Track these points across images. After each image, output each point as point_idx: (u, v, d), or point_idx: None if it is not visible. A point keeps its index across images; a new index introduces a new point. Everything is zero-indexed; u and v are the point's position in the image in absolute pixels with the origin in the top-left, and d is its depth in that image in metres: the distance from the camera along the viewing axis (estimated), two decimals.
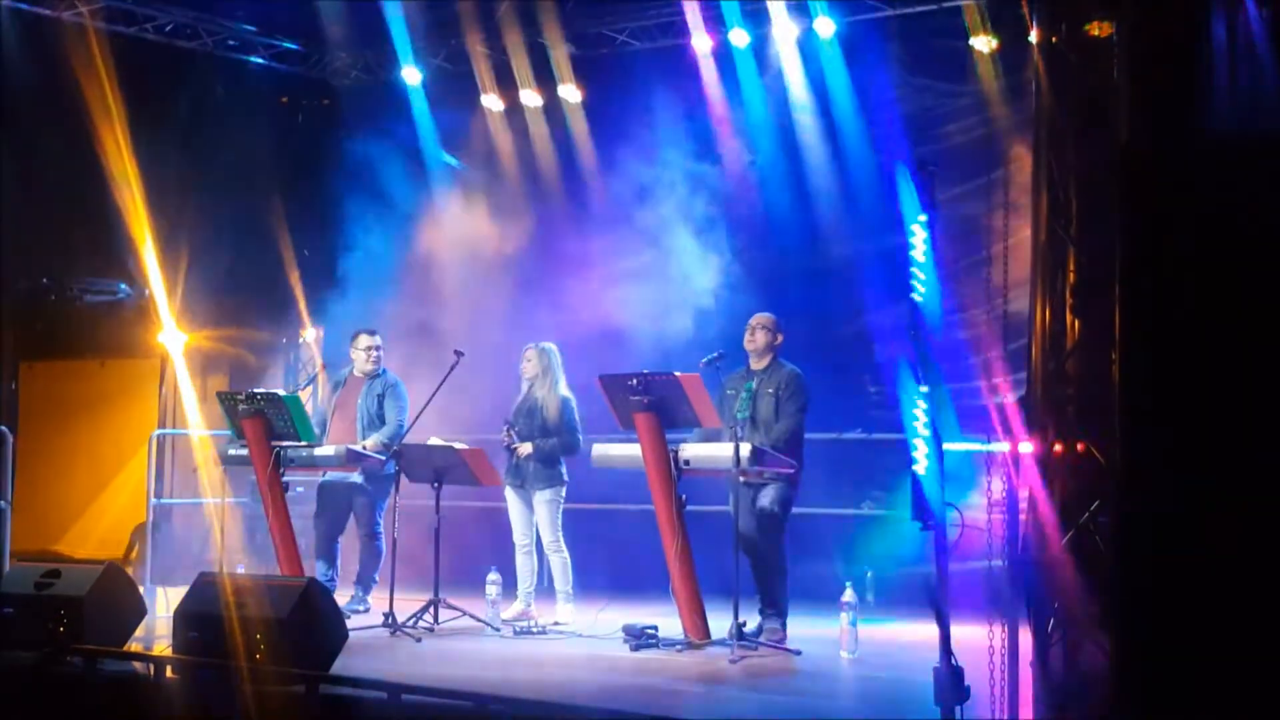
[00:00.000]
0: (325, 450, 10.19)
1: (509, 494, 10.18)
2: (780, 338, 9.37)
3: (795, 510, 9.25)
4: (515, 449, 10.02)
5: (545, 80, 13.01)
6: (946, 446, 6.41)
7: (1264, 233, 6.08)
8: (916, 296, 6.46)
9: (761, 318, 9.42)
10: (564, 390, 10.10)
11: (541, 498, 10.01)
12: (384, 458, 10.21)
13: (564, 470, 10.07)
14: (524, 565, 10.14)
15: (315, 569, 10.45)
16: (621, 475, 10.03)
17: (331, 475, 10.58)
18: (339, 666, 7.52)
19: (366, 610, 10.33)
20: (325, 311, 13.56)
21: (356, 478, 10.49)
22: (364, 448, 10.32)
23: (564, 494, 10.09)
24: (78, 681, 7.57)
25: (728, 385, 9.33)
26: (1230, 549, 5.92)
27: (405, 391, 10.75)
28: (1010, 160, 7.55)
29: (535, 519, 10.08)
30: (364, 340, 10.85)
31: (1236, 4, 6.32)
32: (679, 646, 8.76)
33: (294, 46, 13.78)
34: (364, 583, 10.57)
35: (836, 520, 11.15)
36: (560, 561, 10.02)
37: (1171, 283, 6.11)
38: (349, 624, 8.24)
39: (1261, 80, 6.30)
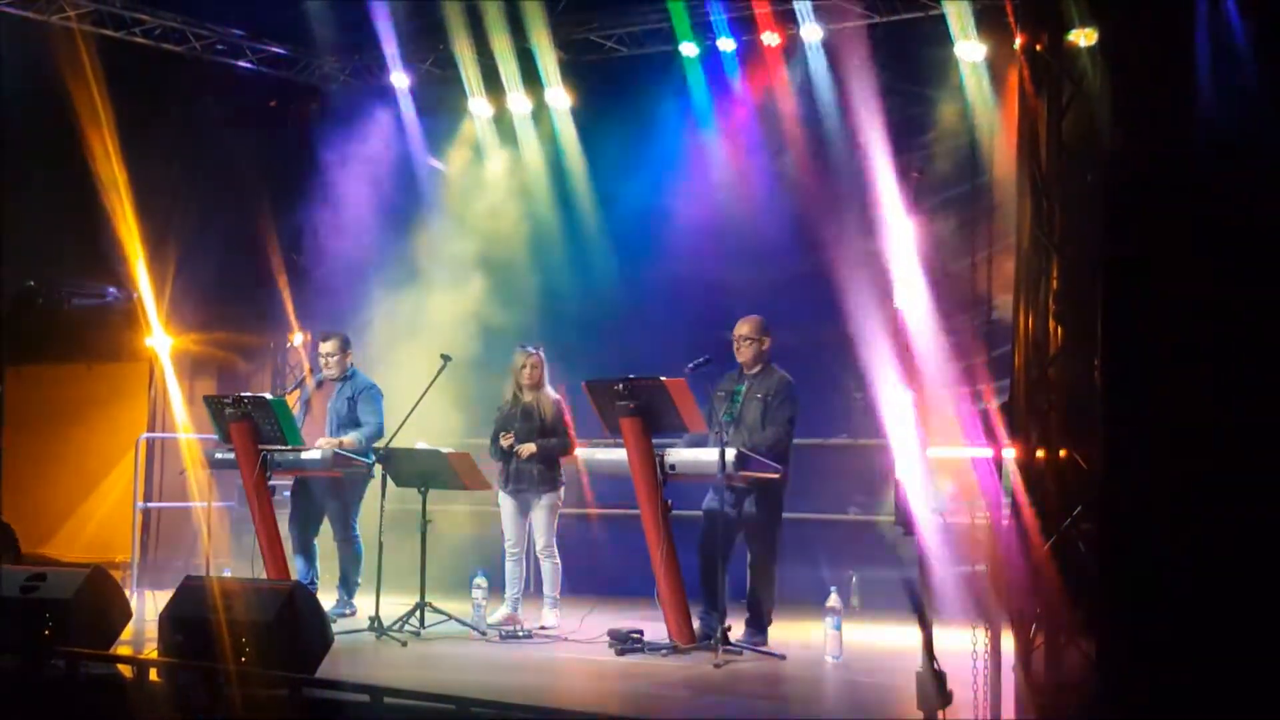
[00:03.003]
0: (311, 454, 10.19)
1: (504, 499, 10.15)
2: (768, 341, 9.38)
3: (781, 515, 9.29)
4: (516, 452, 10.00)
5: (534, 85, 13.03)
6: (931, 452, 6.44)
7: (1247, 238, 6.12)
8: (900, 302, 6.49)
9: (743, 327, 9.39)
10: (554, 391, 10.11)
11: (543, 502, 10.00)
12: (370, 460, 10.21)
13: (561, 473, 10.07)
14: (513, 571, 10.13)
15: (295, 567, 10.44)
16: (607, 480, 10.06)
17: (307, 480, 10.57)
18: (323, 670, 7.53)
19: (353, 614, 10.33)
20: (313, 316, 13.56)
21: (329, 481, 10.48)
22: (340, 445, 10.31)
23: (562, 497, 10.10)
24: (62, 684, 7.55)
25: (719, 387, 9.35)
26: (1211, 554, 5.96)
27: (380, 394, 10.75)
28: (994, 167, 7.58)
29: (532, 523, 10.06)
30: (321, 346, 10.89)
31: (1219, 10, 6.34)
32: (664, 651, 8.77)
33: (282, 51, 13.77)
34: (347, 586, 10.56)
35: (821, 525, 11.16)
36: (552, 567, 10.02)
37: (1154, 289, 6.15)
38: (334, 628, 8.24)
39: (1244, 86, 6.33)
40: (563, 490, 10.09)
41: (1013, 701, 6.27)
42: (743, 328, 9.39)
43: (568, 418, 10.06)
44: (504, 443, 10.03)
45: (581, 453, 9.69)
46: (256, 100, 13.99)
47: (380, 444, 10.23)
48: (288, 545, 10.43)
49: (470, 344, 12.10)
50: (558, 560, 10.02)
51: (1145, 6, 6.35)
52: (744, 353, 9.36)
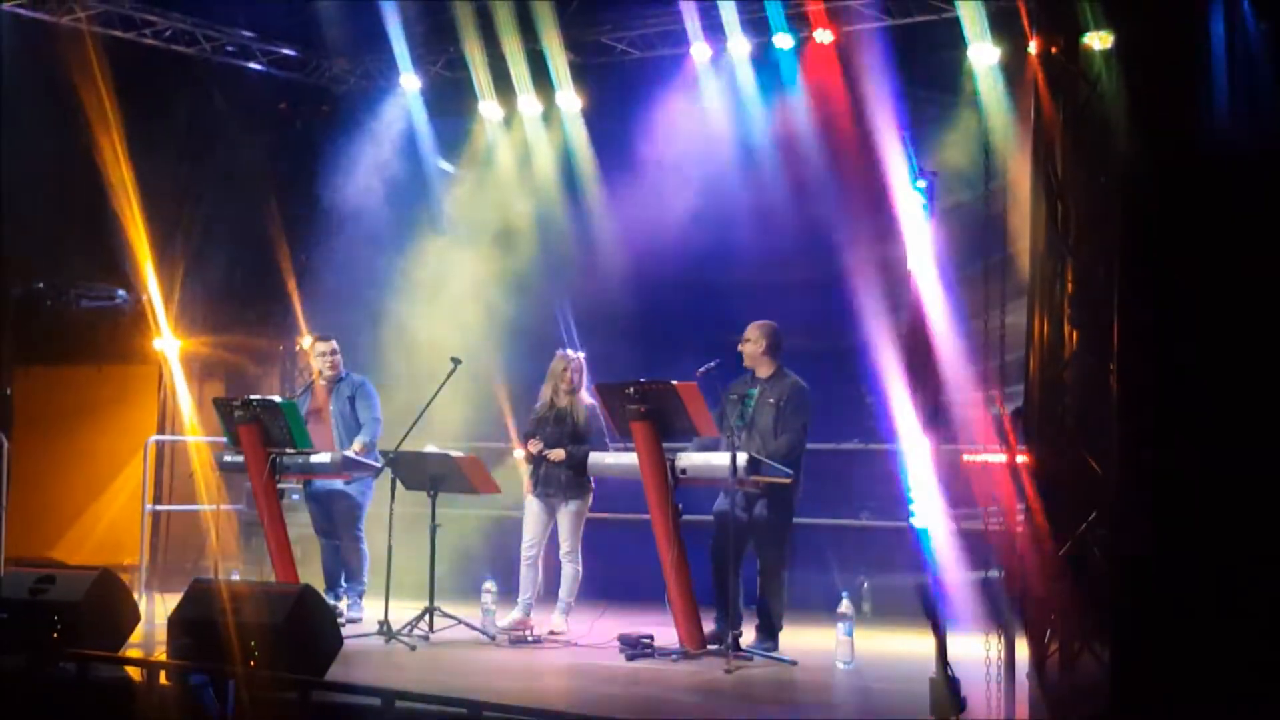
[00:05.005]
0: (321, 457, 10.15)
1: (531, 502, 10.09)
2: (764, 343, 9.35)
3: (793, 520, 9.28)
4: (546, 456, 9.96)
5: (544, 88, 13.00)
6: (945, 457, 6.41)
7: (1261, 244, 6.09)
8: (914, 306, 6.46)
9: (749, 328, 9.42)
10: (588, 396, 10.05)
11: (571, 508, 9.93)
12: (379, 464, 10.18)
13: (591, 479, 10.01)
14: (527, 575, 10.06)
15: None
16: (616, 484, 10.02)
17: (318, 485, 10.53)
18: (333, 673, 7.51)
19: (359, 620, 10.28)
20: (322, 318, 13.54)
21: (339, 482, 10.45)
22: (354, 452, 10.30)
23: (590, 503, 10.05)
24: (71, 687, 7.54)
25: (731, 390, 9.34)
26: (1226, 559, 5.92)
27: (374, 389, 10.75)
28: (1009, 171, 7.56)
29: (559, 527, 9.97)
30: (320, 346, 10.84)
31: (1235, 15, 6.31)
32: (674, 656, 8.74)
33: (293, 53, 13.75)
34: (354, 588, 10.53)
35: (833, 530, 11.13)
36: (573, 571, 9.95)
37: (1169, 293, 6.12)
38: (343, 632, 8.22)
39: (1260, 92, 6.30)
40: (591, 497, 10.03)
41: (1027, 708, 6.23)
42: (748, 330, 9.43)
43: (601, 424, 9.94)
44: (531, 449, 9.98)
45: (591, 456, 9.64)
46: (266, 102, 13.98)
47: (389, 448, 10.20)
48: (298, 549, 10.40)
49: (480, 347, 12.09)
50: (579, 566, 9.96)
51: (1161, 9, 6.31)
52: (745, 355, 9.39)
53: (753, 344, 9.38)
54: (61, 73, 11.87)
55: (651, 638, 8.94)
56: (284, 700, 7.00)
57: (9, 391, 13.68)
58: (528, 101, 13.12)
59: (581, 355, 10.13)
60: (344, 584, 10.55)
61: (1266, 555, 5.93)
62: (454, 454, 9.93)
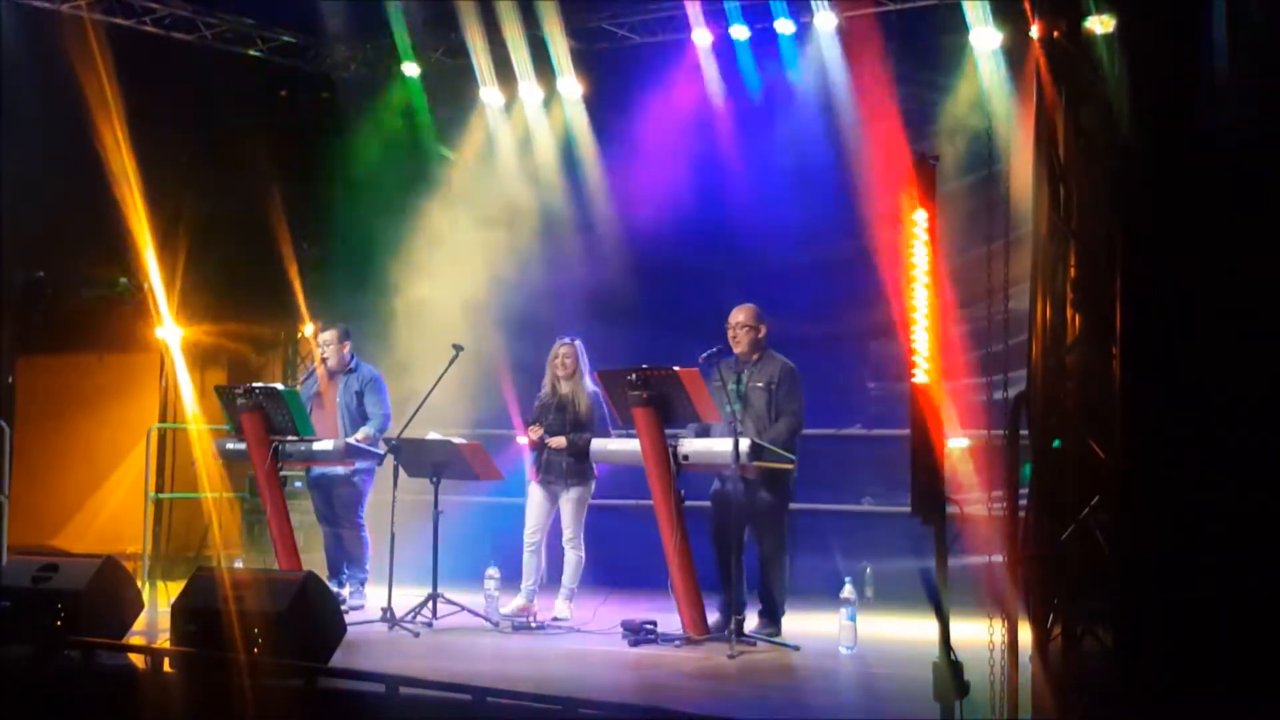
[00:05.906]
0: (324, 444, 10.16)
1: (534, 489, 10.08)
2: (764, 329, 9.34)
3: (794, 506, 9.27)
4: (547, 444, 9.95)
5: (545, 74, 12.99)
6: (947, 441, 6.40)
7: (1264, 228, 6.08)
8: (916, 291, 6.45)
9: (738, 315, 9.35)
10: (590, 384, 10.03)
11: (573, 494, 9.91)
12: (380, 453, 10.19)
13: (594, 466, 10.00)
14: (530, 562, 10.05)
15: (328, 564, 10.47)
16: (618, 470, 10.02)
17: (319, 472, 10.54)
18: (336, 660, 7.52)
19: (362, 606, 10.30)
20: (324, 306, 13.55)
21: (341, 470, 10.45)
22: (358, 440, 10.30)
23: (592, 490, 10.04)
24: (75, 675, 7.55)
25: (715, 376, 9.29)
26: (1230, 543, 5.92)
27: (383, 384, 10.74)
28: (1011, 155, 7.54)
29: (561, 514, 9.95)
30: (323, 336, 10.85)
31: None
32: (677, 642, 8.75)
33: (292, 39, 13.74)
34: (356, 575, 10.55)
35: (835, 515, 11.14)
36: (576, 558, 9.95)
37: (1172, 277, 6.11)
38: (346, 619, 8.23)
39: (1262, 76, 6.28)
40: (593, 484, 10.02)
41: (1030, 693, 6.23)
42: (738, 315, 9.35)
43: (603, 411, 9.83)
44: (531, 436, 9.97)
45: (593, 443, 9.64)
46: (266, 89, 13.96)
47: (392, 434, 10.21)
48: (300, 536, 10.41)
49: (481, 333, 12.09)
50: (582, 553, 9.95)
51: None
52: (740, 341, 9.31)
53: (752, 329, 9.31)
54: (62, 60, 11.85)
55: (654, 623, 8.94)
56: (290, 687, 7.01)
57: (11, 380, 13.68)
58: (529, 88, 13.11)
59: (577, 342, 10.09)
60: (346, 571, 10.56)
61: (1268, 543, 5.93)
62: (456, 440, 9.93)
